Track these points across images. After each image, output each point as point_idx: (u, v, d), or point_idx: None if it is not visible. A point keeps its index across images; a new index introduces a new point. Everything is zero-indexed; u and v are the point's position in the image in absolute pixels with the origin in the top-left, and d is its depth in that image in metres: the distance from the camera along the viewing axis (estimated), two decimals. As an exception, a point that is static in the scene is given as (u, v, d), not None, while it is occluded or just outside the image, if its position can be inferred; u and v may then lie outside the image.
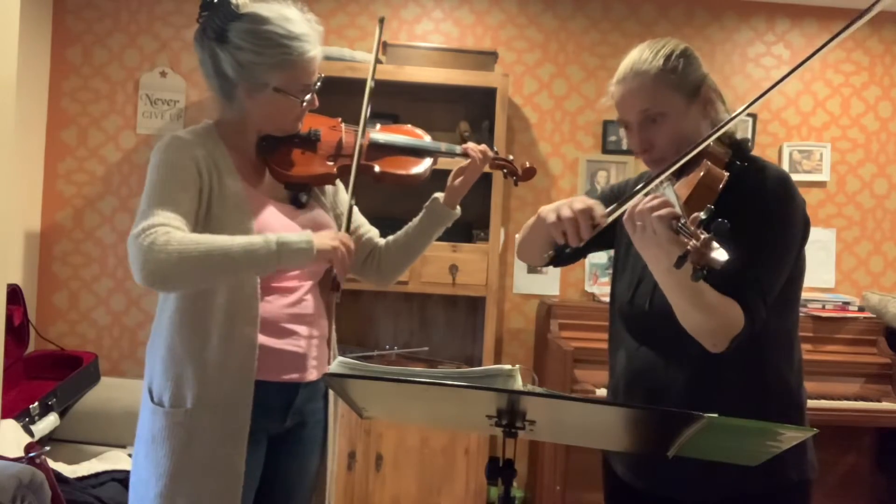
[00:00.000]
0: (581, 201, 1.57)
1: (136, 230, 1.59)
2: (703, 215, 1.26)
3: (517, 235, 1.89)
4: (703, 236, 1.22)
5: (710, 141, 1.55)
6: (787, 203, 1.58)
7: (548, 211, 1.61)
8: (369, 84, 1.93)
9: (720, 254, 1.20)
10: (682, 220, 1.30)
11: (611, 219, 1.56)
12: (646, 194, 1.52)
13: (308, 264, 1.70)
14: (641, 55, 1.65)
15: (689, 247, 1.23)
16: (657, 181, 1.55)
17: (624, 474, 1.73)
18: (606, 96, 1.75)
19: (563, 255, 1.80)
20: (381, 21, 2.02)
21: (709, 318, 1.46)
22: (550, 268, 3.84)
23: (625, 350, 1.72)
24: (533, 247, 1.82)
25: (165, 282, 1.59)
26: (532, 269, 3.85)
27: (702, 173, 1.48)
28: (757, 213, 1.54)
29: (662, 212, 1.34)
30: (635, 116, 1.65)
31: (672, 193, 1.47)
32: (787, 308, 1.62)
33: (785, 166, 3.90)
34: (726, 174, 1.50)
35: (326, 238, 1.70)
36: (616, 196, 1.75)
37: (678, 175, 1.57)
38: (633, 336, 1.71)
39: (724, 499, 1.60)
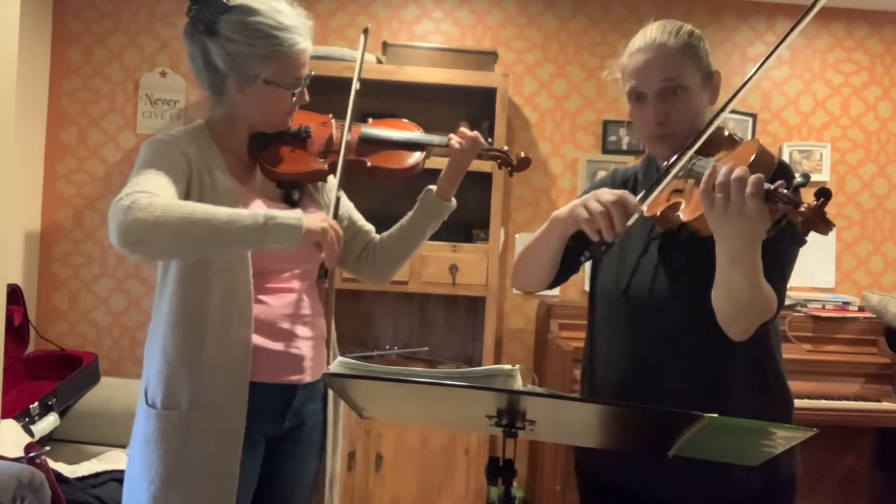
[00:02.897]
0: (609, 193, 1.51)
1: (118, 197, 1.55)
2: (800, 178, 1.26)
3: (517, 253, 1.81)
4: (809, 203, 1.23)
5: (727, 111, 1.53)
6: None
7: (571, 208, 1.55)
8: (355, 86, 1.91)
9: (829, 220, 1.23)
10: (773, 187, 1.28)
11: (645, 205, 1.51)
12: (674, 172, 1.50)
13: (296, 243, 1.59)
14: (665, 28, 1.65)
15: (801, 209, 1.23)
16: (689, 153, 1.51)
17: (612, 476, 1.71)
18: (611, 68, 1.71)
19: (566, 270, 1.72)
20: (366, 31, 1.99)
21: (759, 300, 1.43)
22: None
23: (613, 346, 1.68)
24: (541, 261, 1.70)
25: (140, 243, 1.50)
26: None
27: (756, 152, 1.42)
28: None
29: (754, 178, 1.29)
30: (656, 85, 1.61)
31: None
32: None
33: (785, 166, 3.90)
34: (777, 157, 1.47)
35: (317, 219, 1.63)
36: (621, 186, 1.74)
37: (703, 154, 1.54)
38: (627, 330, 1.66)
39: (718, 499, 1.60)
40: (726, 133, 1.58)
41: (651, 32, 1.65)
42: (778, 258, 1.50)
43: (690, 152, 1.52)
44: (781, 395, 1.64)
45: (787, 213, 1.25)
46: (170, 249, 1.55)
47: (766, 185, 1.29)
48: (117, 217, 1.51)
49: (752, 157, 1.40)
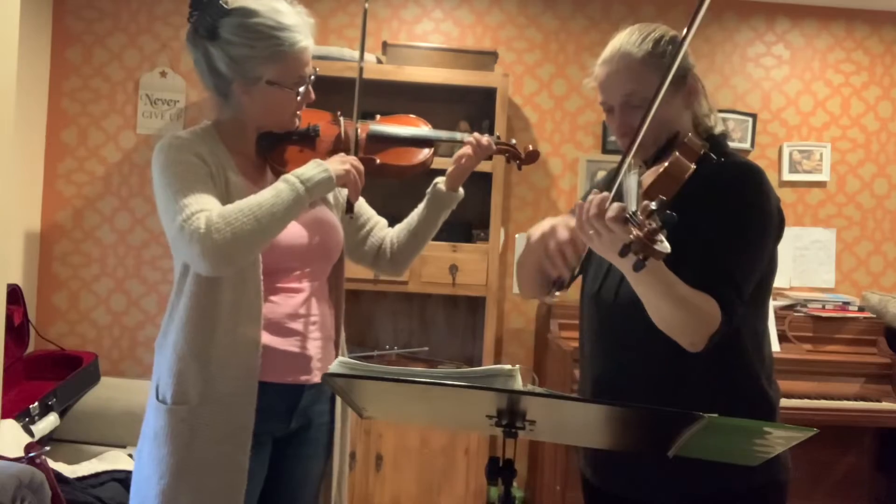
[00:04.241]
0: (564, 230, 1.55)
1: (176, 225, 1.59)
2: (653, 205, 1.22)
3: (517, 253, 1.86)
4: (648, 226, 1.19)
5: (660, 96, 1.48)
6: (760, 198, 1.56)
7: (532, 242, 1.61)
8: (360, 69, 1.93)
9: (663, 246, 1.18)
10: (634, 211, 1.26)
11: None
12: (617, 184, 1.50)
13: (332, 189, 1.77)
14: (630, 37, 1.62)
15: (632, 236, 1.20)
16: (623, 170, 1.52)
17: (592, 477, 1.72)
18: (590, 77, 1.70)
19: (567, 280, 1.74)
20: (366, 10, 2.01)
21: (681, 313, 1.43)
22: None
23: (591, 348, 1.71)
24: (529, 275, 1.75)
25: (230, 260, 1.60)
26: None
27: (667, 163, 1.44)
28: (730, 208, 1.53)
29: (611, 212, 1.29)
30: (617, 99, 1.61)
31: (635, 182, 1.44)
32: (757, 306, 1.61)
33: (785, 166, 3.91)
34: (693, 166, 1.45)
35: (338, 163, 1.76)
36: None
37: (652, 163, 1.55)
38: (599, 332, 1.69)
39: (692, 499, 1.59)
40: (684, 140, 1.55)
41: (616, 41, 1.63)
42: (726, 267, 1.49)
43: (622, 170, 1.51)
44: (757, 400, 1.60)
45: (633, 236, 1.21)
46: (252, 251, 1.65)
47: (627, 211, 1.27)
48: (194, 248, 1.57)
49: (659, 172, 1.42)
